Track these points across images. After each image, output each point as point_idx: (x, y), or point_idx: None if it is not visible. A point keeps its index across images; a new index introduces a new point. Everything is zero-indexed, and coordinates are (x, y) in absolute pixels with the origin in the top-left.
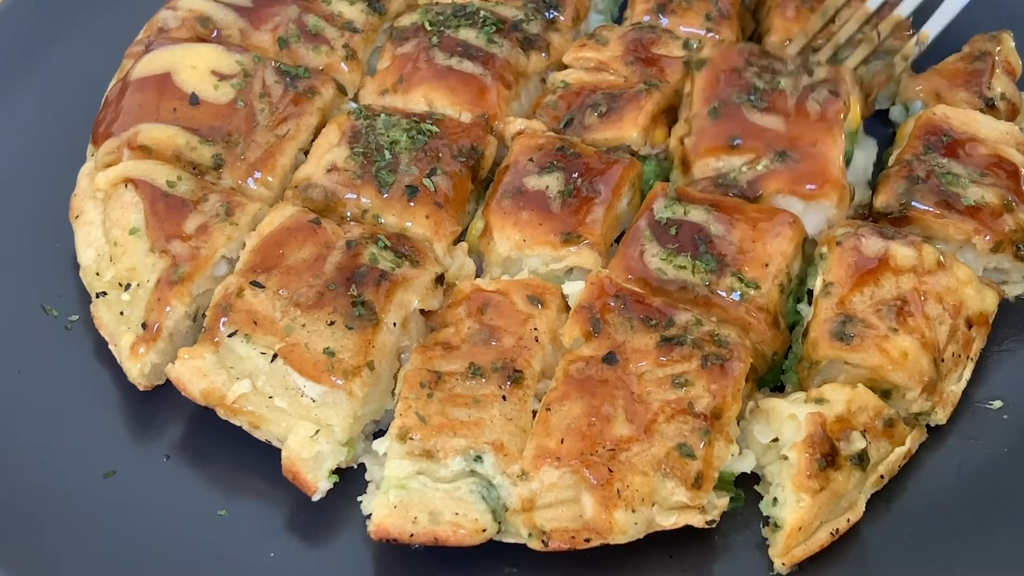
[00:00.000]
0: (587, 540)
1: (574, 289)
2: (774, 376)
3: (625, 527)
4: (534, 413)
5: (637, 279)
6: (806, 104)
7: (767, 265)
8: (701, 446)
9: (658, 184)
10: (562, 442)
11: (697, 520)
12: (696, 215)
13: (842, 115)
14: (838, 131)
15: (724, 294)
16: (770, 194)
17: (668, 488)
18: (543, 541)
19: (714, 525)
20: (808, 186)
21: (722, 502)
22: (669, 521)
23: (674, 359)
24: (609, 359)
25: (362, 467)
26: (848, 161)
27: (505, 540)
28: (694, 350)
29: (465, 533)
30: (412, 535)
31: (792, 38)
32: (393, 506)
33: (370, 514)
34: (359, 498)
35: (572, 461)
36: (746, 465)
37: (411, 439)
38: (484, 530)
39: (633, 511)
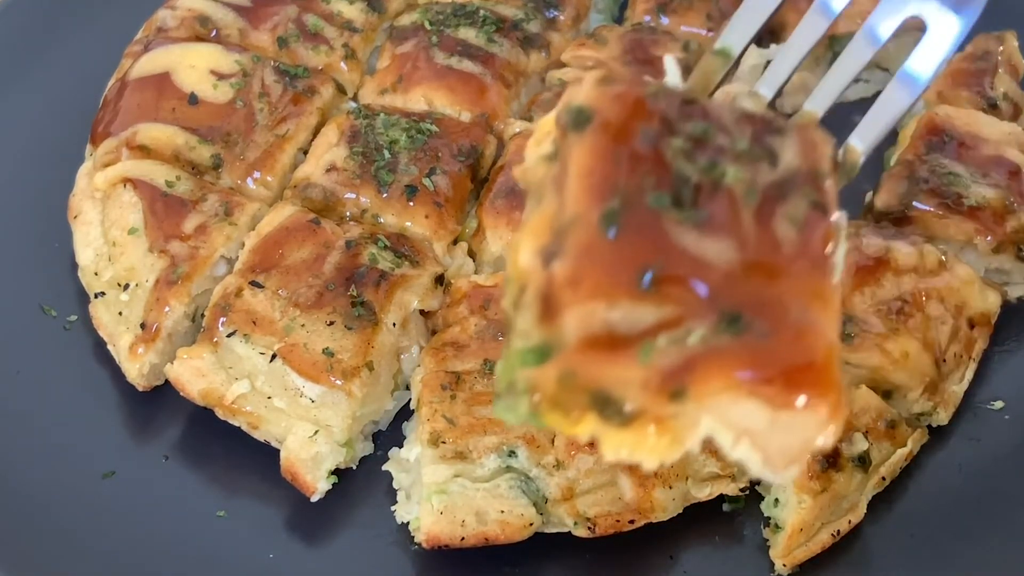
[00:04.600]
0: (631, 522)
1: None
2: None
3: (664, 504)
4: None
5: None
6: (773, 223)
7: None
8: None
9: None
10: None
11: (731, 488)
12: None
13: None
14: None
15: None
16: (709, 392)
17: (700, 460)
18: (589, 528)
19: (747, 492)
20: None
21: None
22: (704, 493)
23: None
24: None
25: (361, 467)
26: None
27: (548, 531)
28: None
29: (513, 529)
30: (463, 539)
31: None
32: (439, 512)
33: (404, 523)
34: (392, 508)
35: None
36: None
37: (443, 443)
38: (531, 524)
39: (670, 487)
